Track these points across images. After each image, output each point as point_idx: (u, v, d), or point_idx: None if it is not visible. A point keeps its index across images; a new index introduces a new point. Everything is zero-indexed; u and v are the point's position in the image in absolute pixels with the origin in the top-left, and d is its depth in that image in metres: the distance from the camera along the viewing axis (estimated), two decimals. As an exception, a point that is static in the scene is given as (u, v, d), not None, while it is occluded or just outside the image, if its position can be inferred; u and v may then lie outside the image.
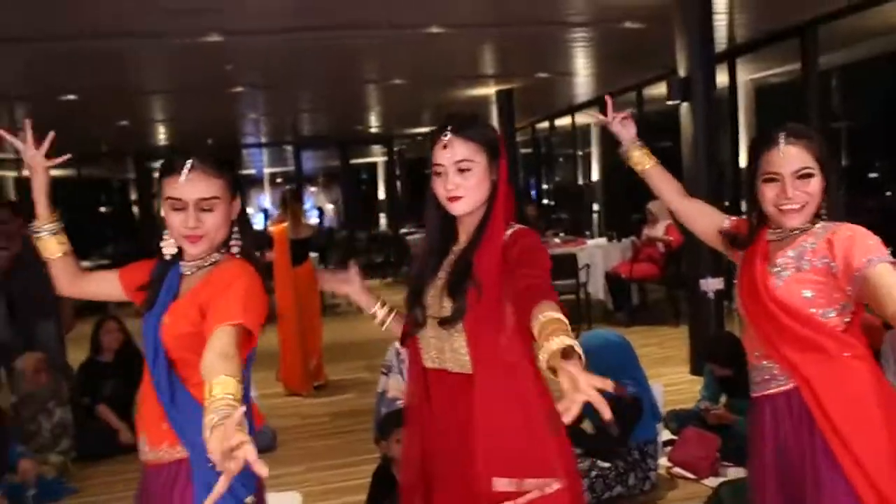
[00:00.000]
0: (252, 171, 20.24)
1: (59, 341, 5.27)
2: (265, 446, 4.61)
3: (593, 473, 3.44)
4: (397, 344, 3.67)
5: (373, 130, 14.22)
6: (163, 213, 1.80)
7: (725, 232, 2.00)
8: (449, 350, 1.81)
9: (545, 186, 14.55)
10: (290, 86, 8.99)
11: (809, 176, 1.79)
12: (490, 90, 10.08)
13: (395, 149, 16.04)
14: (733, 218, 2.04)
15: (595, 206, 12.47)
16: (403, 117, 12.97)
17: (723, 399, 4.19)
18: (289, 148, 15.29)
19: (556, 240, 8.53)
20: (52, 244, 1.95)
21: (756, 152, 1.87)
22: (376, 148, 16.93)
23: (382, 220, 17.99)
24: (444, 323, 1.78)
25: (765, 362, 1.87)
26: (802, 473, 1.79)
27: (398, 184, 16.92)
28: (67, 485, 4.17)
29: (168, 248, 1.85)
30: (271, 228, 6.13)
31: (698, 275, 5.27)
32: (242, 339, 1.62)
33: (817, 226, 1.82)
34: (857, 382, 1.76)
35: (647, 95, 9.87)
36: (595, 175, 12.65)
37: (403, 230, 13.90)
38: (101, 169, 15.94)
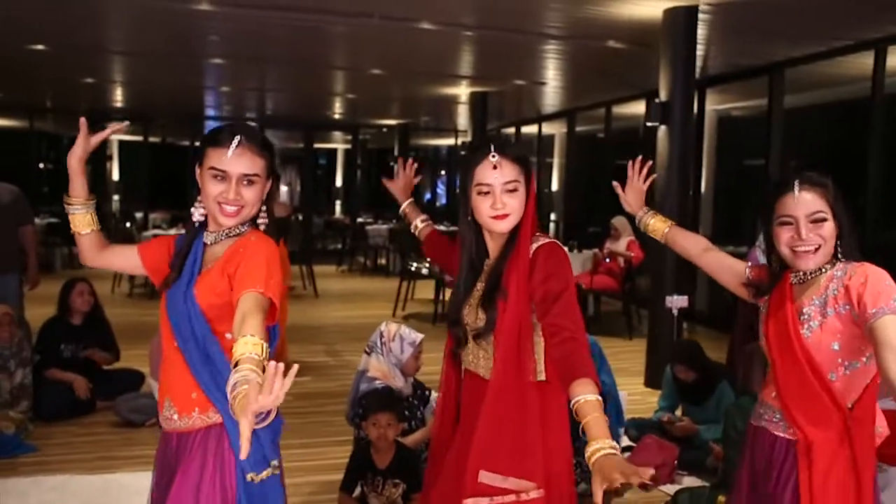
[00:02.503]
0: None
1: (19, 296, 5.15)
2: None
3: (577, 471, 3.57)
4: (383, 325, 3.76)
5: (337, 117, 14.15)
6: (199, 181, 1.87)
7: (749, 283, 2.08)
8: (483, 357, 1.93)
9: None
10: (261, 62, 8.88)
11: (823, 220, 1.87)
12: (463, 91, 10.17)
13: (361, 137, 16.01)
14: (751, 266, 2.12)
15: (552, 216, 12.71)
16: (371, 107, 12.96)
17: (678, 412, 4.39)
18: (252, 125, 15.07)
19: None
20: (84, 221, 2.01)
21: (772, 198, 1.96)
22: (337, 134, 16.86)
23: (338, 206, 17.92)
24: (478, 337, 1.91)
25: (780, 408, 1.94)
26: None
27: (359, 172, 16.88)
28: (26, 442, 4.10)
29: (198, 214, 1.92)
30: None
31: (662, 291, 5.48)
32: (266, 308, 1.70)
33: (837, 267, 1.90)
34: (843, 465, 1.82)
35: (615, 113, 10.14)
36: (555, 185, 12.90)
37: (360, 219, 13.88)
38: (49, 123, 15.42)
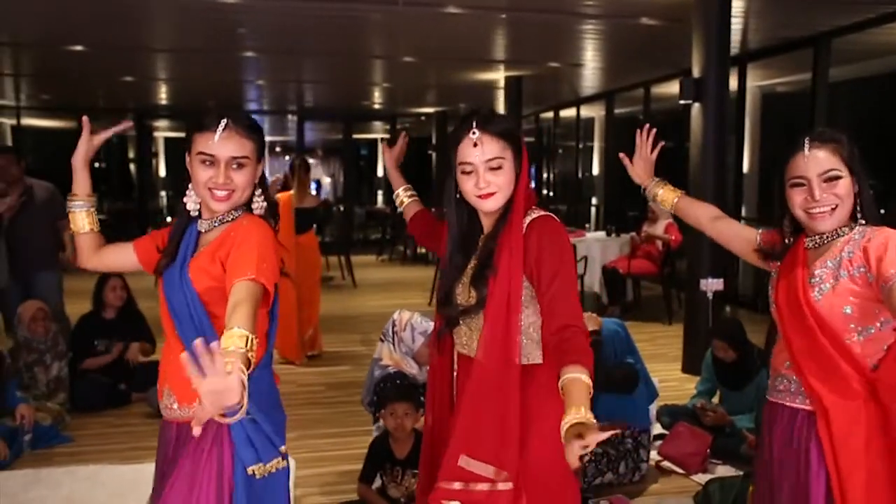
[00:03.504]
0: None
1: (59, 292, 5.28)
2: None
3: (585, 458, 3.50)
4: (396, 314, 3.74)
5: (377, 106, 14.16)
6: (189, 168, 1.85)
7: (760, 249, 1.99)
8: (476, 338, 1.84)
9: (546, 176, 14.58)
10: (297, 54, 8.93)
11: (837, 178, 1.77)
12: (499, 75, 10.05)
13: (398, 126, 16.01)
14: (762, 231, 2.02)
15: (594, 200, 12.52)
16: (408, 96, 12.93)
17: (715, 399, 4.27)
18: (291, 117, 15.22)
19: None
20: (83, 219, 2.00)
21: (783, 160, 1.86)
22: (378, 124, 16.88)
23: (380, 197, 17.98)
24: (465, 314, 1.83)
25: (794, 376, 1.85)
26: (801, 490, 1.80)
27: (398, 162, 16.87)
28: (63, 433, 4.20)
29: (191, 202, 1.89)
30: (276, 196, 6.14)
31: (699, 274, 5.33)
32: (259, 294, 1.67)
33: (855, 230, 1.79)
34: (868, 431, 1.72)
35: (654, 94, 9.90)
36: (595, 169, 12.69)
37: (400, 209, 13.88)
38: (100, 123, 15.81)
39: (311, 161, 21.47)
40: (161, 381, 1.92)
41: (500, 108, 10.57)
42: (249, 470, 1.78)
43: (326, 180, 22.73)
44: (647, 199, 2.34)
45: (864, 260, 1.71)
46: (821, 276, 1.78)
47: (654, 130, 2.31)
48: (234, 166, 1.80)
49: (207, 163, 1.79)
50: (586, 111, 12.36)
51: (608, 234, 8.40)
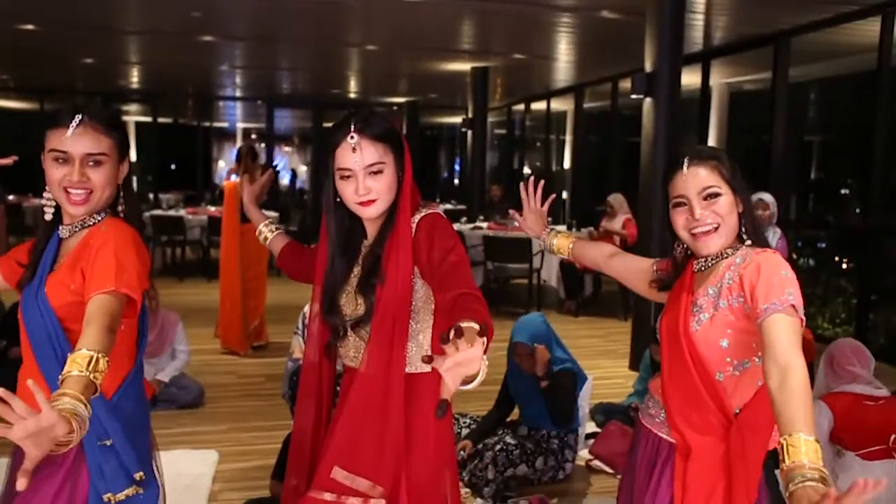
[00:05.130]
0: (225, 125, 19.93)
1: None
2: (191, 402, 4.57)
3: (497, 447, 3.44)
4: (307, 306, 3.66)
5: (350, 95, 14.04)
6: (45, 168, 1.71)
7: (655, 279, 1.91)
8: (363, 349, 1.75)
9: (517, 168, 14.53)
10: (269, 40, 8.81)
11: (716, 195, 1.68)
12: (466, 66, 9.99)
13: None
14: (657, 261, 1.95)
15: (564, 195, 12.49)
16: (380, 85, 12.83)
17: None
18: (263, 104, 15.07)
19: (515, 223, 8.51)
20: None
21: (664, 180, 1.78)
22: (351, 114, 16.74)
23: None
24: (356, 325, 1.74)
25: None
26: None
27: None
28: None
29: (48, 207, 1.76)
30: (224, 183, 6.03)
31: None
32: (121, 305, 1.57)
33: (737, 254, 1.70)
34: (718, 472, 1.65)
35: (622, 88, 9.86)
36: (567, 163, 12.65)
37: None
38: (62, 105, 15.55)
39: (287, 149, 21.32)
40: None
41: (469, 98, 10.51)
42: (104, 497, 1.67)
43: (302, 168, 22.54)
44: (545, 249, 2.29)
45: (741, 289, 1.61)
46: (701, 305, 1.69)
47: (542, 182, 2.24)
48: (91, 164, 1.67)
49: (60, 160, 1.66)
50: (558, 104, 12.31)
51: (569, 229, 8.35)
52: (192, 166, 14.93)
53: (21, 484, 1.18)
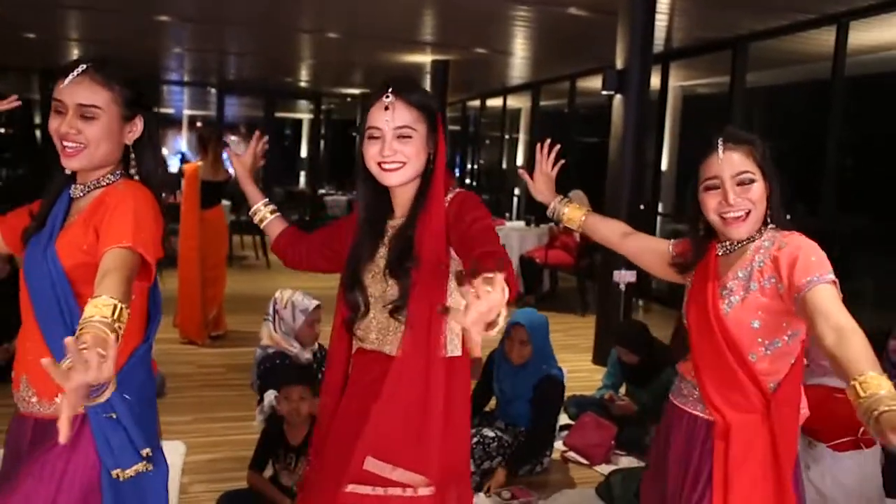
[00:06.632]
0: (171, 111, 19.36)
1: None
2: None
3: (475, 440, 3.43)
4: (278, 292, 3.59)
5: (302, 84, 13.80)
6: None
7: (674, 263, 1.92)
8: (393, 332, 1.70)
9: (470, 166, 14.55)
10: (220, 23, 8.56)
11: (751, 182, 1.71)
12: (426, 58, 9.91)
13: (323, 107, 15.67)
14: (674, 242, 1.96)
15: (516, 191, 12.56)
16: (334, 75, 12.64)
17: (622, 389, 4.27)
18: (212, 91, 14.67)
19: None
20: None
21: (697, 163, 1.80)
22: (303, 104, 16.48)
23: (302, 178, 17.60)
24: (395, 311, 1.67)
25: (697, 384, 1.79)
26: (690, 497, 1.75)
27: (322, 143, 16.56)
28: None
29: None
30: (184, 167, 5.84)
31: (612, 266, 5.34)
32: (135, 265, 1.49)
33: (765, 237, 1.74)
34: (762, 448, 1.69)
35: (579, 87, 9.95)
36: (520, 160, 12.72)
37: (322, 191, 13.64)
38: (5, 84, 14.85)
39: (233, 138, 20.97)
40: (17, 369, 1.69)
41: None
42: (113, 473, 1.60)
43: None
44: (551, 218, 2.22)
45: (775, 270, 1.65)
46: (732, 288, 1.73)
47: (558, 147, 2.21)
48: (84, 116, 1.59)
49: (58, 110, 1.60)
50: (513, 101, 12.36)
51: (527, 224, 8.40)
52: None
53: (63, 435, 1.11)
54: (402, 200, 1.73)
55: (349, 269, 1.76)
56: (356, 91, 14.23)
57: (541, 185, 2.21)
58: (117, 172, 1.68)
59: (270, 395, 3.14)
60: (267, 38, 9.49)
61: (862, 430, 3.28)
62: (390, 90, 1.65)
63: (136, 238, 1.51)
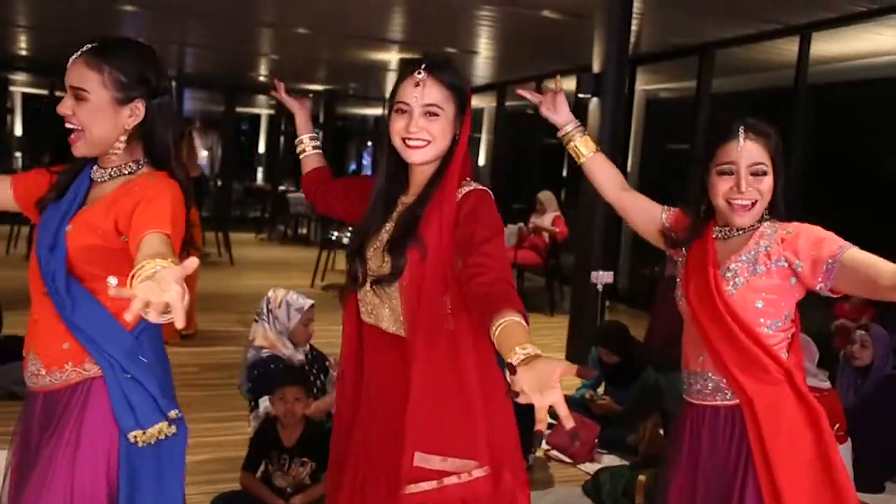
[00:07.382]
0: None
1: None
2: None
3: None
4: (270, 292, 3.54)
5: (262, 79, 13.60)
6: None
7: (664, 232, 1.95)
8: (387, 308, 1.70)
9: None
10: (179, 13, 8.34)
11: (763, 173, 1.78)
12: (392, 56, 9.87)
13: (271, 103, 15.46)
14: (669, 210, 1.99)
15: (480, 190, 12.59)
16: (297, 70, 12.48)
17: (601, 389, 4.33)
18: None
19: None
20: None
21: (713, 145, 1.83)
22: (262, 98, 16.24)
23: (260, 173, 17.36)
24: (378, 283, 1.67)
25: (710, 373, 1.82)
26: (730, 490, 1.76)
27: (282, 139, 16.35)
28: None
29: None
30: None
31: (588, 267, 5.39)
32: (172, 252, 1.47)
33: (765, 225, 1.81)
34: (791, 413, 1.74)
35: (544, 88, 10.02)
36: (482, 160, 12.77)
37: (282, 187, 13.47)
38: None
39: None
40: (25, 348, 1.67)
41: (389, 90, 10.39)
42: (131, 436, 1.57)
43: (203, 153, 21.67)
44: (560, 141, 2.10)
45: (791, 250, 1.73)
46: (735, 270, 1.78)
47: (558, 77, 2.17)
48: (77, 98, 1.60)
49: (67, 94, 1.63)
50: (477, 101, 12.40)
51: (495, 224, 8.43)
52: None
53: (130, 316, 1.11)
54: (419, 179, 1.72)
55: (356, 239, 1.77)
56: (319, 87, 14.09)
57: (559, 100, 2.08)
58: (141, 162, 1.66)
59: (266, 402, 3.09)
60: (229, 31, 9.31)
61: (837, 426, 3.40)
62: (423, 66, 1.64)
63: (173, 230, 1.51)
